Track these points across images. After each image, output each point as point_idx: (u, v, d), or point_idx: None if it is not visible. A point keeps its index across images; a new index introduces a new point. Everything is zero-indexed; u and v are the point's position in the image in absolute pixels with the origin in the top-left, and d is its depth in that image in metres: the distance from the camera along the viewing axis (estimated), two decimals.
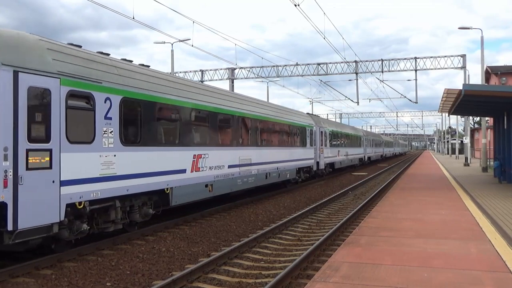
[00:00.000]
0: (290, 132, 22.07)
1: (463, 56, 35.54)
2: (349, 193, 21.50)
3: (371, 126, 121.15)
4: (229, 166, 15.11)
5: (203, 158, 13.28)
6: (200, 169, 13.09)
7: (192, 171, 12.64)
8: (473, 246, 7.96)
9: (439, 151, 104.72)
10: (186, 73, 40.17)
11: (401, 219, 10.77)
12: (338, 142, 33.72)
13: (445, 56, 35.89)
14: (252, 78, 40.35)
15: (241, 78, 40.03)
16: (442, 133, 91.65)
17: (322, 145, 27.88)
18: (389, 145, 75.98)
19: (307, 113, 28.72)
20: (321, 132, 28.18)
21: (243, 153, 16.28)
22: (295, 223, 13.33)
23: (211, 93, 14.52)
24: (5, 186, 7.38)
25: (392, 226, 9.86)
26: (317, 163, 26.77)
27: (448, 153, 77.01)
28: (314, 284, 5.86)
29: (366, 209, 15.65)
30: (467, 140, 40.55)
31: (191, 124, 12.91)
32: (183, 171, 12.25)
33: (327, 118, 37.24)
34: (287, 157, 21.13)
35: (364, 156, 46.62)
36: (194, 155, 12.81)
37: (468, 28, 30.55)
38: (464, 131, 54.42)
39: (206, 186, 13.51)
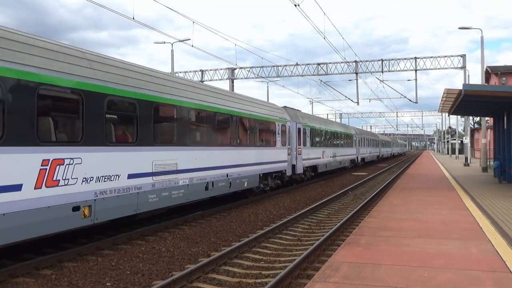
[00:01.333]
0: (249, 128, 17.14)
1: (463, 56, 35.54)
2: (349, 193, 21.49)
3: (371, 126, 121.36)
4: (131, 176, 10.11)
5: (68, 164, 8.50)
6: (60, 183, 8.30)
7: (39, 187, 7.84)
8: (473, 246, 7.96)
9: (439, 151, 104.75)
10: (186, 73, 40.20)
11: (401, 219, 10.77)
12: (323, 141, 29.25)
13: (445, 56, 35.90)
14: (252, 78, 40.37)
15: (241, 78, 40.07)
16: (442, 133, 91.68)
17: (300, 145, 23.24)
18: (386, 145, 71.77)
19: (284, 107, 24.19)
20: (299, 129, 23.44)
21: (162, 155, 11.29)
22: (295, 223, 13.33)
23: (91, 63, 9.41)
24: None
25: (392, 226, 9.86)
26: (293, 166, 22.14)
27: (448, 153, 77.02)
28: (314, 284, 5.86)
29: (366, 209, 15.66)
30: (467, 140, 40.55)
31: (36, 110, 7.90)
32: (15, 187, 7.43)
33: (314, 115, 31.72)
34: (244, 160, 16.29)
35: (357, 157, 42.29)
36: (46, 161, 7.99)
37: (468, 28, 30.56)
38: (464, 131, 54.43)
39: (77, 209, 8.67)
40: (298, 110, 26.22)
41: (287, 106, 25.53)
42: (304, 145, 24.40)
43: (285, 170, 21.09)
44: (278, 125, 20.29)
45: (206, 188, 13.62)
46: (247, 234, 11.82)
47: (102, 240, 10.21)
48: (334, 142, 32.74)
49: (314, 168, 26.93)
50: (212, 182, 13.97)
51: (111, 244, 10.16)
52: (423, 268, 6.60)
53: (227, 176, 14.95)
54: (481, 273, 6.29)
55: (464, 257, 7.20)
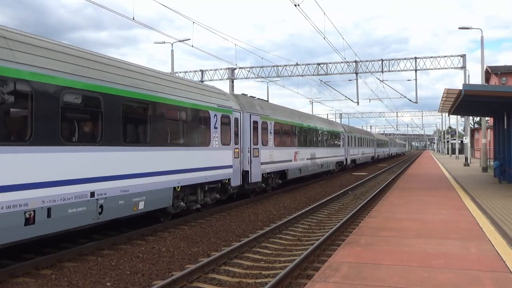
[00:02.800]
0: (152, 117, 11.11)
1: (463, 56, 35.56)
2: (349, 193, 21.50)
3: (371, 126, 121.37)
4: None
5: None
6: None
7: None
8: (473, 246, 7.96)
9: (439, 151, 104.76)
10: (186, 73, 40.23)
11: (401, 219, 10.78)
12: (296, 139, 23.44)
13: (445, 56, 35.91)
14: (252, 78, 40.37)
15: (241, 78, 40.08)
16: (442, 133, 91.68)
17: (257, 144, 17.77)
18: (383, 145, 65.96)
19: (242, 94, 19.07)
20: (255, 122, 17.72)
21: None
22: (295, 223, 13.33)
23: None
24: None
25: (392, 226, 9.86)
26: (246, 173, 16.76)
27: (448, 153, 77.03)
28: (314, 284, 5.86)
29: (366, 209, 15.66)
30: (467, 140, 40.57)
31: None
32: None
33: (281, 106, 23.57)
34: (137, 166, 10.54)
35: (346, 159, 36.58)
36: None
37: (468, 28, 30.57)
38: (464, 131, 54.44)
39: None
40: (259, 99, 20.34)
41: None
42: (265, 144, 18.67)
43: (229, 178, 15.26)
44: (216, 116, 14.33)
45: (30, 221, 7.74)
46: (247, 234, 11.82)
47: (102, 240, 10.21)
48: (314, 141, 26.97)
49: (282, 174, 21.24)
50: (48, 209, 8.08)
51: (111, 244, 10.16)
52: (423, 268, 6.60)
53: (91, 195, 9.12)
54: (481, 273, 6.29)
55: (464, 257, 7.20)
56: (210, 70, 40.38)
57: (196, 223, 13.03)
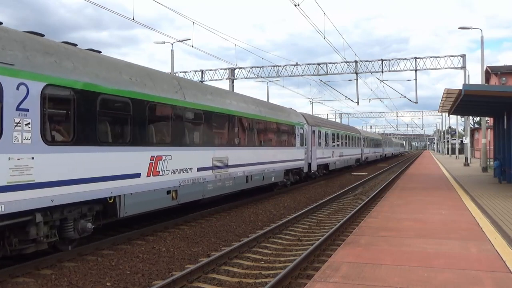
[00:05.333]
0: None
1: (463, 56, 35.58)
2: (349, 193, 21.49)
3: (371, 126, 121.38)
4: None
5: None
6: None
7: None
8: (473, 246, 7.96)
9: (439, 151, 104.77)
10: (186, 73, 40.24)
11: (401, 219, 10.77)
12: (165, 132, 11.91)
13: (445, 56, 35.93)
14: (252, 78, 40.39)
15: (241, 78, 40.09)
16: (442, 133, 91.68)
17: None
18: (374, 145, 54.31)
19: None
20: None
21: None
22: (295, 223, 13.33)
23: None
24: None
25: (392, 226, 9.86)
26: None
27: (448, 153, 77.02)
28: (314, 284, 5.86)
29: (366, 209, 15.66)
30: (467, 140, 40.59)
31: None
32: None
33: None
34: None
35: (309, 164, 24.89)
36: None
37: (468, 28, 30.58)
38: (464, 131, 54.44)
39: None
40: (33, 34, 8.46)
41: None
42: (46, 140, 7.95)
43: None
44: None
45: None
46: (247, 234, 11.82)
47: (102, 240, 10.22)
48: (227, 136, 15.39)
49: (104, 207, 9.79)
50: None
51: (111, 244, 10.17)
52: (423, 268, 6.60)
53: None
54: (481, 273, 6.29)
55: (464, 257, 7.20)
56: (210, 70, 40.43)
57: (196, 223, 13.03)
